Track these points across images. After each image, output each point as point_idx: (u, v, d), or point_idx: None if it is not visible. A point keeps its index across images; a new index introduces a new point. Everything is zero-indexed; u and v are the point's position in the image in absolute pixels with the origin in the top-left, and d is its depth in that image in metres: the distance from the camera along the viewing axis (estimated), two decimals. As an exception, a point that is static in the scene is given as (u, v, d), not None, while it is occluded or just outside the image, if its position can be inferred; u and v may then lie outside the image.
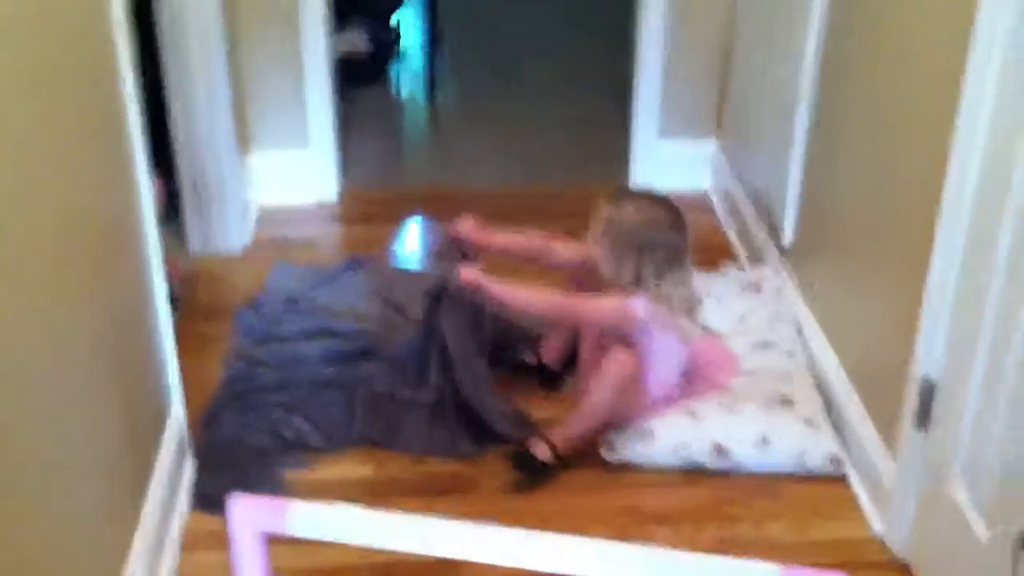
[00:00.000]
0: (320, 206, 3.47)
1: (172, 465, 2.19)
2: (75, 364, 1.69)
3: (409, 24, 4.79)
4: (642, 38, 3.42)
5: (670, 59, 3.43)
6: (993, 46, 1.75)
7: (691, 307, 2.37)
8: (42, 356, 1.52)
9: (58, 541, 1.55)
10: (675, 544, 2.15)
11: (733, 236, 3.26)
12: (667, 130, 3.53)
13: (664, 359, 2.34)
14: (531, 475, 2.30)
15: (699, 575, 1.11)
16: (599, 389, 2.27)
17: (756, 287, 2.73)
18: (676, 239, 2.30)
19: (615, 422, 2.33)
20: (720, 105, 3.46)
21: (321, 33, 3.32)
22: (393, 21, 4.63)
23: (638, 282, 2.27)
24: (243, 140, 3.26)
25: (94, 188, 1.84)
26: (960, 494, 1.91)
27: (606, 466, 2.34)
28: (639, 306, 2.27)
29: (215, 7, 2.92)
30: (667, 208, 2.34)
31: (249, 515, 1.21)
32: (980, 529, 1.84)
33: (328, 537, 1.21)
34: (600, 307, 2.34)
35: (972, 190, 1.84)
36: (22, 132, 1.48)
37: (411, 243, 3.34)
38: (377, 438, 2.43)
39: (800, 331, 2.60)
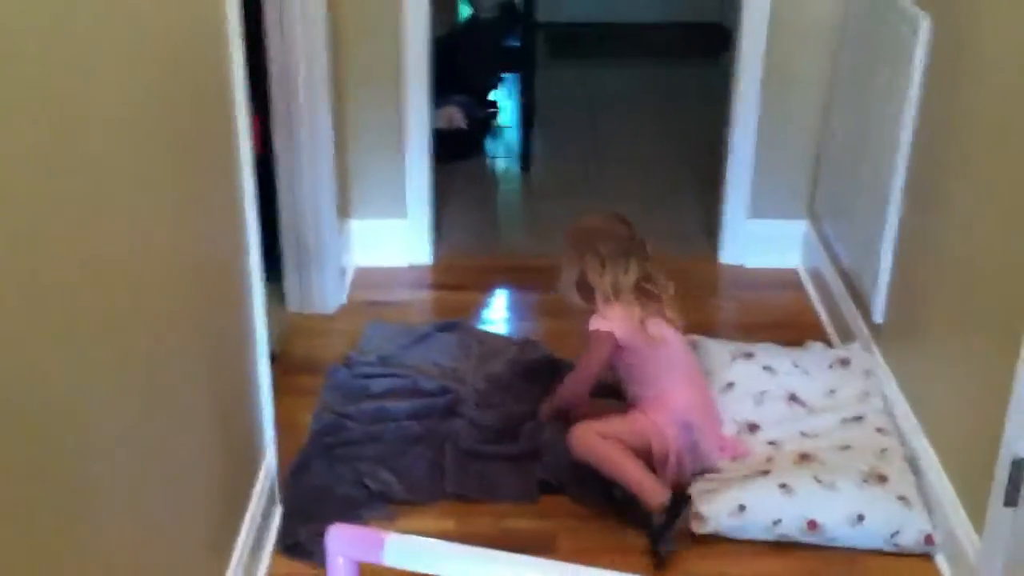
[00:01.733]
0: (413, 271, 3.56)
1: (263, 511, 2.26)
2: (180, 408, 1.77)
3: (505, 100, 4.93)
4: (735, 118, 3.47)
5: (762, 140, 3.47)
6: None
7: (649, 291, 2.50)
8: (149, 399, 1.60)
9: None
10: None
11: (823, 314, 3.26)
12: (757, 210, 3.56)
13: (642, 368, 2.48)
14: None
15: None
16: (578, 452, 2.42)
17: (846, 362, 2.72)
18: (614, 235, 2.49)
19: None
20: (812, 186, 3.48)
21: (423, 108, 3.45)
22: (490, 97, 4.76)
23: (585, 286, 2.48)
24: (344, 206, 3.38)
25: (207, 242, 1.95)
26: (1051, 576, 1.88)
27: (694, 537, 2.34)
28: (595, 323, 2.46)
29: (324, 81, 3.06)
30: (605, 216, 2.58)
31: (346, 544, 1.26)
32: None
33: (422, 569, 1.25)
34: (586, 355, 2.55)
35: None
36: (156, 187, 1.60)
37: (500, 310, 3.42)
38: (461, 492, 2.47)
39: (890, 408, 2.59)
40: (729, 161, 3.53)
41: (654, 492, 2.30)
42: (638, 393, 2.51)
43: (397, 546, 1.24)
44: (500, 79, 4.85)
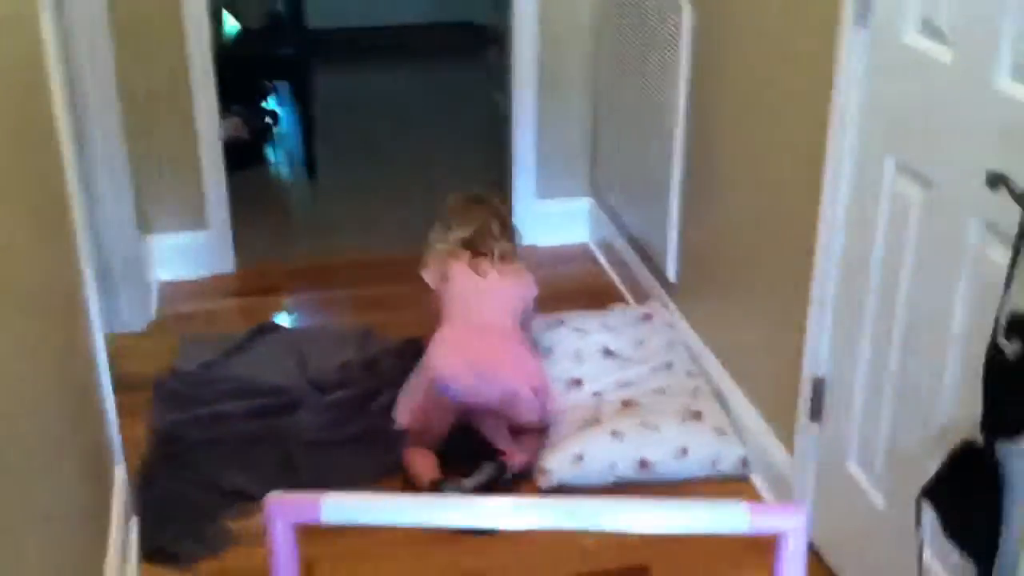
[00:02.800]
0: (218, 280, 3.59)
1: (123, 523, 2.26)
2: (38, 427, 1.77)
3: (282, 108, 4.97)
4: (516, 109, 3.69)
5: (541, 127, 3.72)
6: (851, 82, 2.05)
7: (478, 251, 2.77)
8: (17, 418, 1.61)
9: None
10: (604, 549, 2.35)
11: (618, 281, 3.53)
12: (543, 191, 3.80)
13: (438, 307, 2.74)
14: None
15: (674, 518, 1.29)
16: None
17: (648, 317, 2.98)
18: (451, 208, 2.89)
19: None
20: (592, 165, 3.75)
21: (212, 120, 3.48)
22: (266, 106, 4.80)
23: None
24: (142, 222, 3.36)
25: (51, 272, 1.96)
26: (856, 472, 2.16)
27: (542, 493, 2.51)
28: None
29: (113, 101, 3.05)
30: (458, 195, 2.95)
31: (284, 510, 1.33)
32: (877, 500, 2.09)
33: (359, 521, 1.35)
34: None
35: (844, 209, 2.14)
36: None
37: (314, 308, 3.50)
38: (319, 482, 2.53)
39: (694, 355, 2.86)
40: (514, 147, 3.74)
41: (419, 474, 2.51)
42: None
43: (333, 505, 1.33)
44: (274, 88, 4.89)
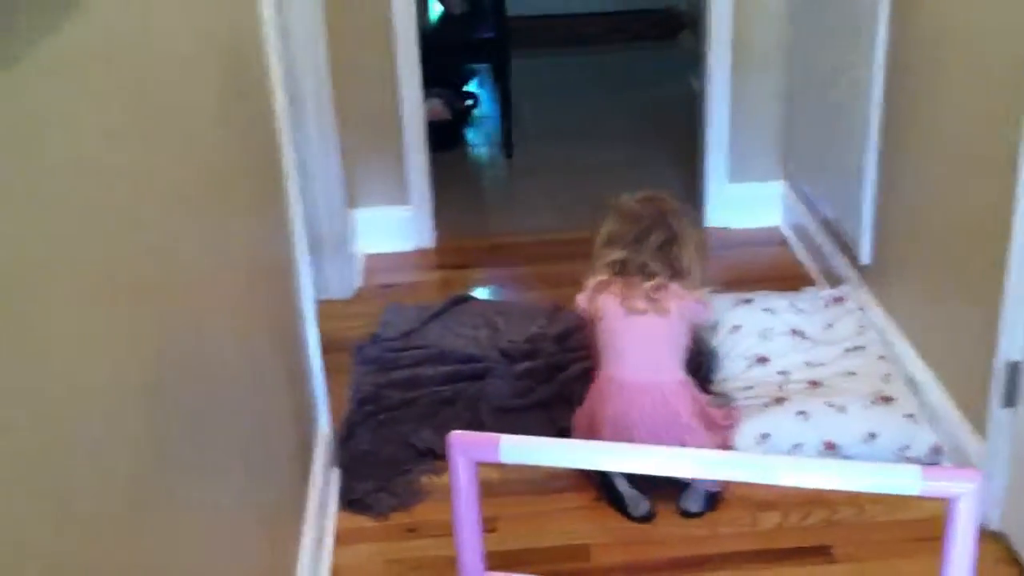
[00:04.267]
0: (419, 254, 3.76)
1: (324, 472, 2.43)
2: (264, 380, 1.96)
3: (482, 91, 5.13)
4: (710, 91, 3.70)
5: (735, 110, 3.71)
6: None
7: (629, 277, 2.44)
8: (242, 368, 1.78)
9: (242, 532, 1.72)
10: (781, 531, 2.37)
11: (810, 264, 3.49)
12: (736, 174, 3.80)
13: (593, 340, 2.54)
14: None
15: (846, 477, 1.32)
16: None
17: (840, 300, 2.95)
18: (623, 214, 2.51)
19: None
20: (786, 149, 3.72)
21: (417, 101, 3.64)
22: (467, 88, 4.96)
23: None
24: (349, 197, 3.56)
25: (267, 243, 2.14)
26: (1051, 461, 2.11)
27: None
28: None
29: (326, 79, 3.24)
30: (636, 196, 2.57)
31: (466, 447, 1.43)
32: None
33: (533, 461, 1.44)
34: None
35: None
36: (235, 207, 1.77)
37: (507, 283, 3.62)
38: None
39: (885, 338, 2.82)
40: (707, 131, 3.75)
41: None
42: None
43: (510, 445, 1.41)
44: (475, 71, 5.05)
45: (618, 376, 2.42)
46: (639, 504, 2.42)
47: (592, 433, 2.40)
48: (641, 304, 2.41)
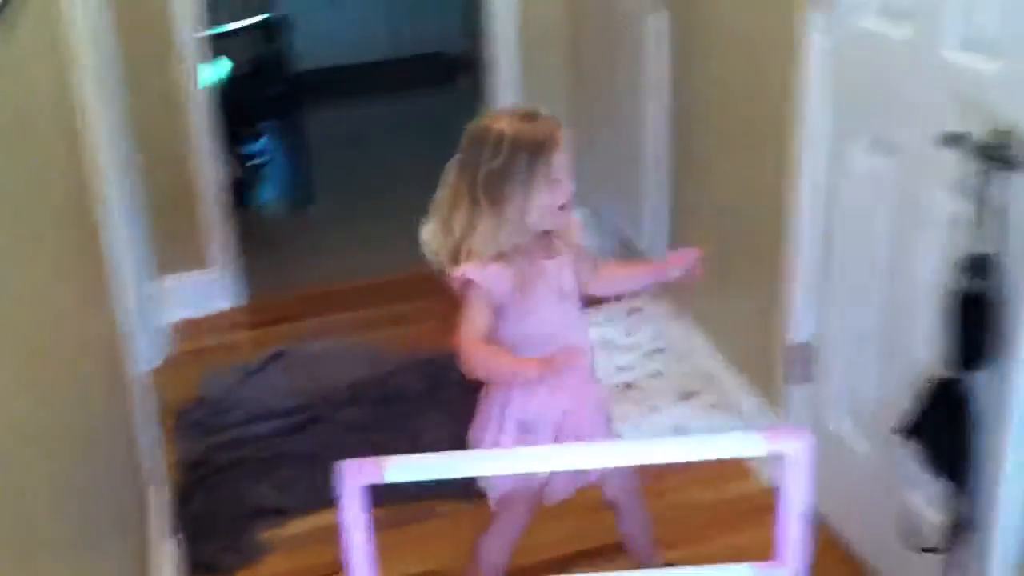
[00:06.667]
0: (230, 314, 3.76)
1: (166, 539, 2.43)
2: (98, 455, 1.95)
3: (273, 146, 5.17)
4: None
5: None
6: (814, 64, 2.23)
7: None
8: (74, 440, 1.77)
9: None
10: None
11: (607, 280, 3.70)
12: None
13: None
14: None
15: (705, 449, 1.47)
16: None
17: (638, 310, 3.16)
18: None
19: None
20: (577, 177, 3.92)
21: (212, 163, 3.66)
22: (258, 145, 5.00)
23: None
24: (156, 264, 3.54)
25: (90, 312, 2.14)
26: (842, 428, 2.33)
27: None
28: None
29: (124, 146, 3.24)
30: None
31: (353, 474, 1.46)
32: (861, 447, 2.26)
33: (421, 477, 1.49)
34: None
35: (812, 184, 2.31)
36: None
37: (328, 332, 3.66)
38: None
39: (684, 340, 3.03)
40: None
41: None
42: None
43: (396, 466, 1.45)
44: (263, 128, 5.09)
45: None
46: None
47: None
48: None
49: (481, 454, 1.55)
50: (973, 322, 1.76)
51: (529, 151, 1.77)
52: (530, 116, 1.84)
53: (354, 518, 1.44)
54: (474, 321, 1.83)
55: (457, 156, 1.88)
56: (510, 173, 1.77)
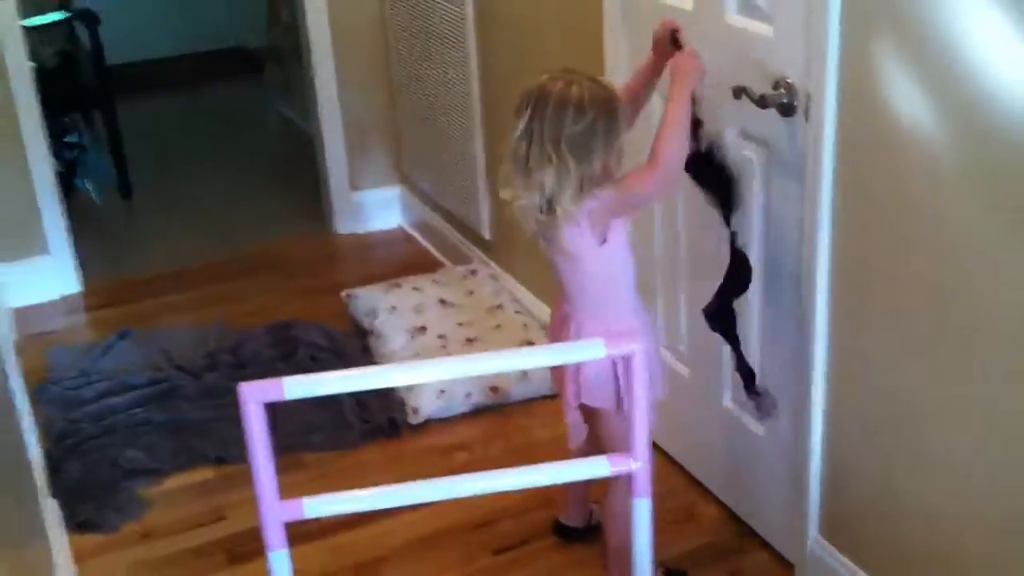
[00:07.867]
0: (68, 300, 3.84)
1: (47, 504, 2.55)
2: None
3: (87, 139, 5.18)
4: (321, 115, 4.09)
5: (347, 125, 4.13)
6: (614, 31, 2.57)
7: None
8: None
9: None
10: (471, 462, 2.79)
11: (437, 252, 3.98)
12: (356, 184, 4.21)
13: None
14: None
15: (550, 357, 1.76)
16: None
17: (474, 272, 3.46)
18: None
19: None
20: (398, 157, 4.19)
21: (43, 154, 3.74)
22: (72, 139, 5.00)
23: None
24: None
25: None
26: (667, 356, 2.69)
27: (414, 428, 2.95)
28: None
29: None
30: None
31: (254, 393, 1.64)
32: (684, 372, 2.63)
33: (316, 393, 1.65)
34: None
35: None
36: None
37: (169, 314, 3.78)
38: (211, 453, 2.87)
39: (516, 295, 3.35)
40: (325, 148, 4.14)
41: None
42: None
43: (293, 384, 1.64)
44: (77, 122, 5.10)
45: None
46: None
47: None
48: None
49: (369, 370, 1.75)
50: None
51: (607, 111, 1.94)
52: (591, 78, 1.97)
53: (257, 432, 1.59)
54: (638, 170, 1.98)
55: (526, 121, 1.95)
56: (594, 132, 1.93)
